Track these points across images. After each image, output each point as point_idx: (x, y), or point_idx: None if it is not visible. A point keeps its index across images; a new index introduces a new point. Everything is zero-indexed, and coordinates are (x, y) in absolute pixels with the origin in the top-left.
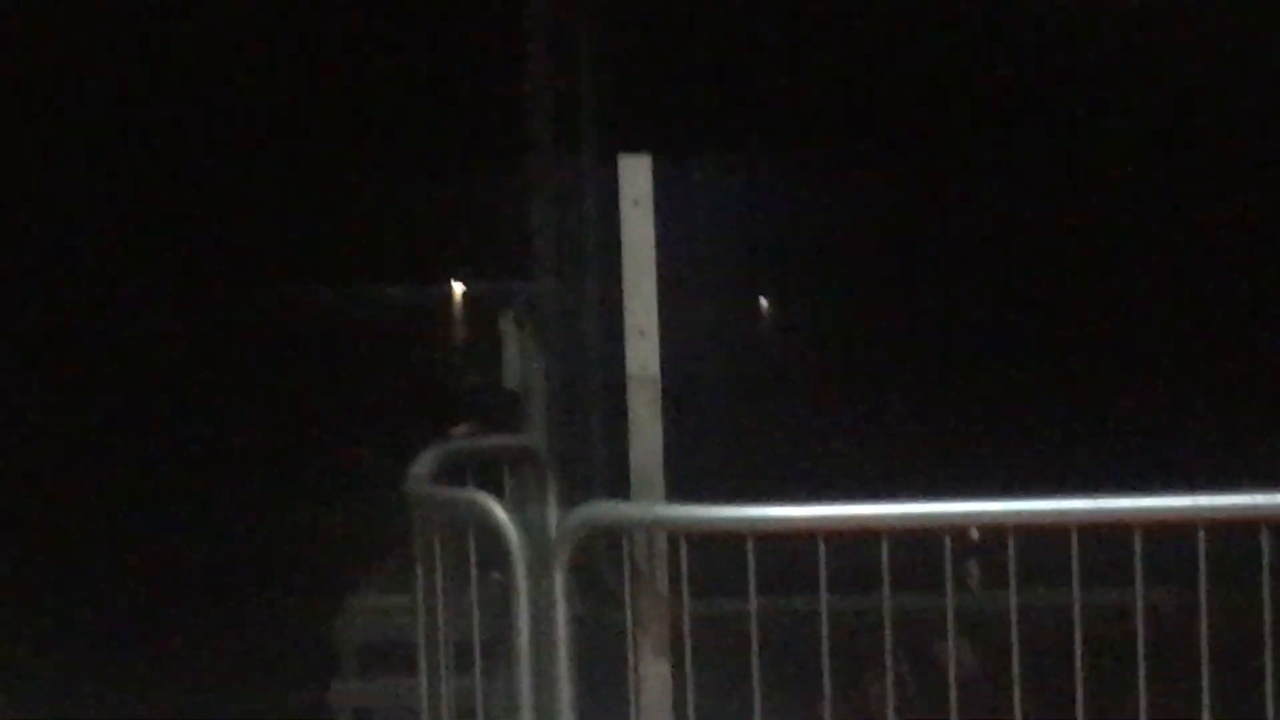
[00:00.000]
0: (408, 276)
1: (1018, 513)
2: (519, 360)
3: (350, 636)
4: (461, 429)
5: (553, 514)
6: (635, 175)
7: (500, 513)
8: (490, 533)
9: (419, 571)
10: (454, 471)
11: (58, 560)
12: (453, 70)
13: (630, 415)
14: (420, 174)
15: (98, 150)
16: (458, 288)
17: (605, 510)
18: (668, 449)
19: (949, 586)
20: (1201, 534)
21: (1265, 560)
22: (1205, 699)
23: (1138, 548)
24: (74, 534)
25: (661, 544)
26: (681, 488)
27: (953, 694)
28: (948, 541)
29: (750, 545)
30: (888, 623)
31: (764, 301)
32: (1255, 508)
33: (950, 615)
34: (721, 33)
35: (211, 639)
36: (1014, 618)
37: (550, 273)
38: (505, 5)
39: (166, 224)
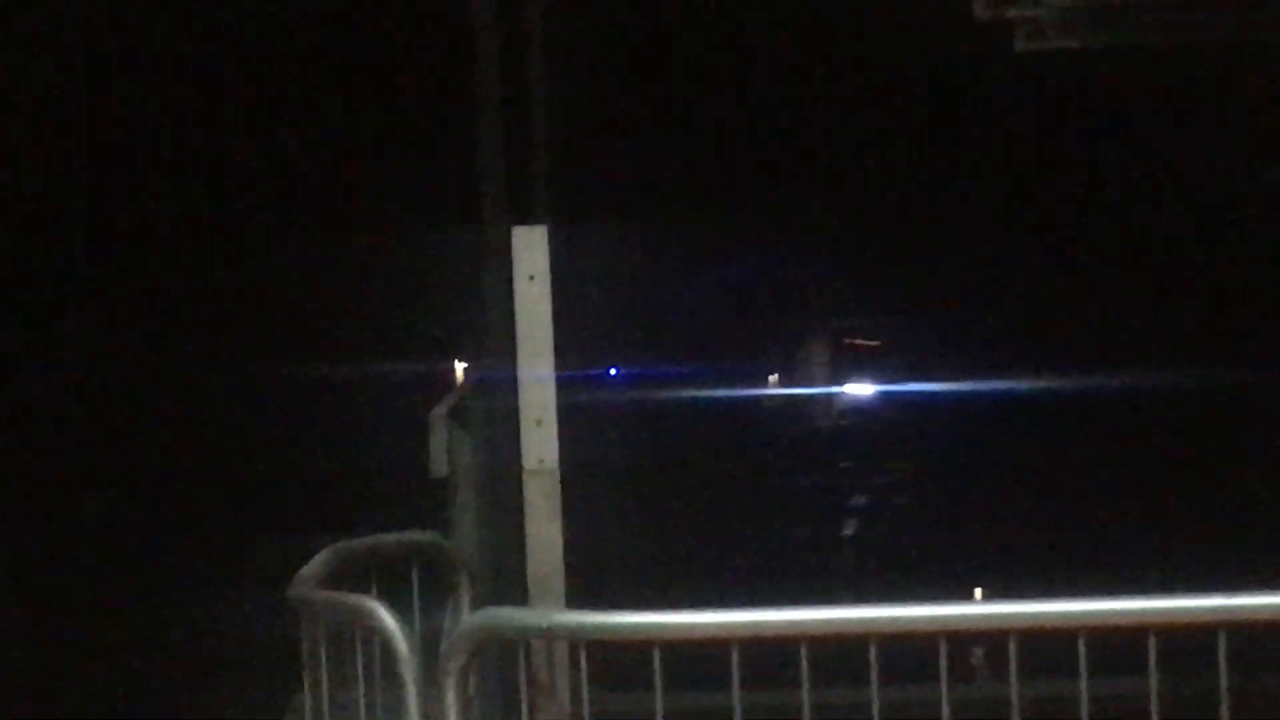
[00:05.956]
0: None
1: (944, 618)
2: (447, 448)
3: None
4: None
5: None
6: (530, 247)
7: (388, 619)
8: (380, 641)
9: (305, 681)
10: (359, 573)
11: None
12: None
13: (526, 513)
14: (330, 251)
15: None
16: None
17: (499, 618)
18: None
19: (874, 687)
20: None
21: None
22: None
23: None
24: None
25: (562, 653)
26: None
27: None
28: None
29: (656, 653)
30: None
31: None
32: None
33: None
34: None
35: None
36: None
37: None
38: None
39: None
